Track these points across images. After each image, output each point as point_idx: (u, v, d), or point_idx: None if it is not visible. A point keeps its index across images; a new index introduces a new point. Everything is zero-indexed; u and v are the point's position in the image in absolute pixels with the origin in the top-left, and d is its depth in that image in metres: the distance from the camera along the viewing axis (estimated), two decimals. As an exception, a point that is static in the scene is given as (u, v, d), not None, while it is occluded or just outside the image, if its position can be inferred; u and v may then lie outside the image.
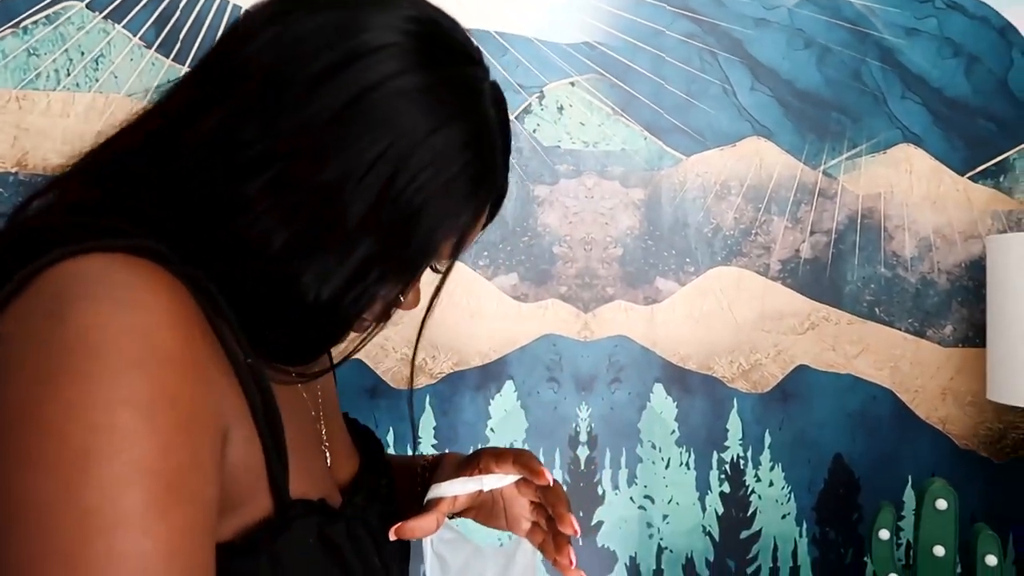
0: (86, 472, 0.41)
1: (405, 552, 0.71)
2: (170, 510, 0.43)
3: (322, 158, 0.50)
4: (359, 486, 0.67)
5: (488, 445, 1.28)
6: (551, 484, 0.67)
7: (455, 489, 0.68)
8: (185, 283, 0.48)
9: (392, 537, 0.65)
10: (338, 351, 0.65)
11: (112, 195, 0.52)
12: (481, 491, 0.69)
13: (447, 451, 0.79)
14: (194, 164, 0.50)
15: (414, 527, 0.66)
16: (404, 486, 0.78)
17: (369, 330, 0.61)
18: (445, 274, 0.63)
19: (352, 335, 0.61)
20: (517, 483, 0.70)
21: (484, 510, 0.72)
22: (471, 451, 0.75)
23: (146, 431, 0.43)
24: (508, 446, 1.28)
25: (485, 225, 0.62)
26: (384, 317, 0.60)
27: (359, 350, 0.64)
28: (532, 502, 0.71)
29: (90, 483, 0.41)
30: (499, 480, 0.68)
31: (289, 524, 0.53)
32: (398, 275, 0.55)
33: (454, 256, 0.59)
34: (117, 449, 0.42)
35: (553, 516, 0.67)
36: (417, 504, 0.73)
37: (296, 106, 0.49)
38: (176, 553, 0.42)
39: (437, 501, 0.68)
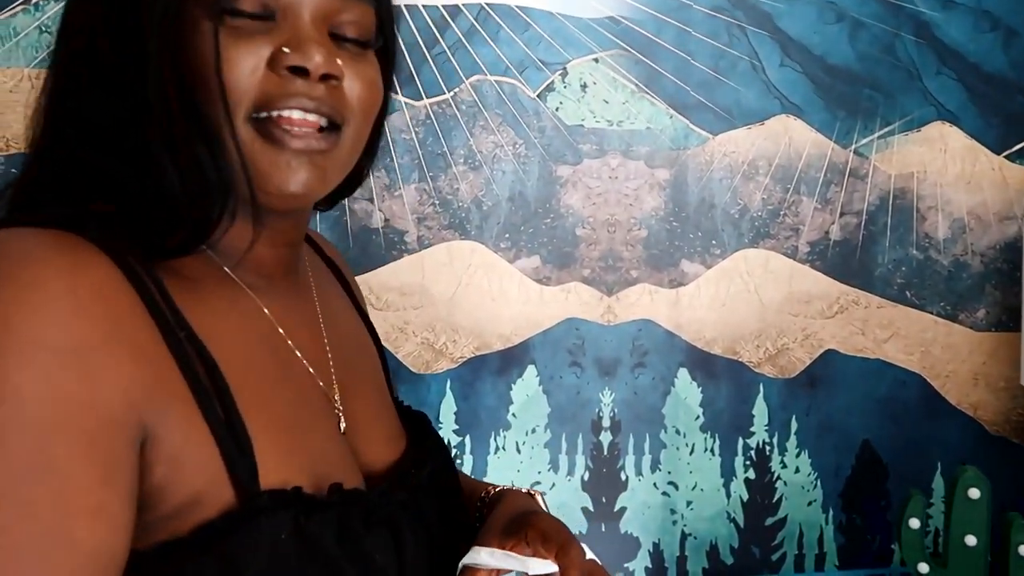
0: None
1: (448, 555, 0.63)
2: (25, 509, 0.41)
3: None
4: (396, 472, 0.61)
5: (510, 429, 1.27)
6: None
7: (495, 563, 0.61)
8: (115, 259, 0.47)
9: None
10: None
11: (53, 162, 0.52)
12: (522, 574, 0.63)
13: (509, 487, 0.71)
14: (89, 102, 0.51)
15: None
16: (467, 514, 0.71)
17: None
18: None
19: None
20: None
21: None
22: (524, 493, 0.67)
23: (15, 427, 0.41)
24: (532, 431, 1.26)
25: None
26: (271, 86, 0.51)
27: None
28: None
29: None
30: (543, 567, 0.61)
31: (251, 518, 0.48)
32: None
33: None
34: None
35: None
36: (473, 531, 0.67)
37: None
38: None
39: (473, 572, 0.60)
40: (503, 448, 1.26)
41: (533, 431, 1.27)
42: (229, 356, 0.51)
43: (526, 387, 1.26)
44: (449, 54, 1.21)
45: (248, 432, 0.49)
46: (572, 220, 1.26)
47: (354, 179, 0.62)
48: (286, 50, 0.50)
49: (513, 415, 1.26)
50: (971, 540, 1.14)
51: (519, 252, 1.25)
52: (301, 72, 0.50)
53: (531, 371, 1.26)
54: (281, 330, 0.57)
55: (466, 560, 0.61)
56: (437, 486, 0.63)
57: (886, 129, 1.30)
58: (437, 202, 1.22)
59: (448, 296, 1.24)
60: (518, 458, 1.26)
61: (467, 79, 1.21)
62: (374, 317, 1.22)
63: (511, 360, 1.25)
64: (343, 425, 0.59)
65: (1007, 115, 1.30)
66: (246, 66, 0.49)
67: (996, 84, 1.30)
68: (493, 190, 1.23)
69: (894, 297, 1.31)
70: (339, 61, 0.51)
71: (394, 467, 0.62)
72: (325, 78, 0.51)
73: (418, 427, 0.69)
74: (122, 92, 0.49)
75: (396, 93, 1.21)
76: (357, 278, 1.20)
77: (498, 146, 1.23)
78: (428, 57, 1.20)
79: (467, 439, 1.25)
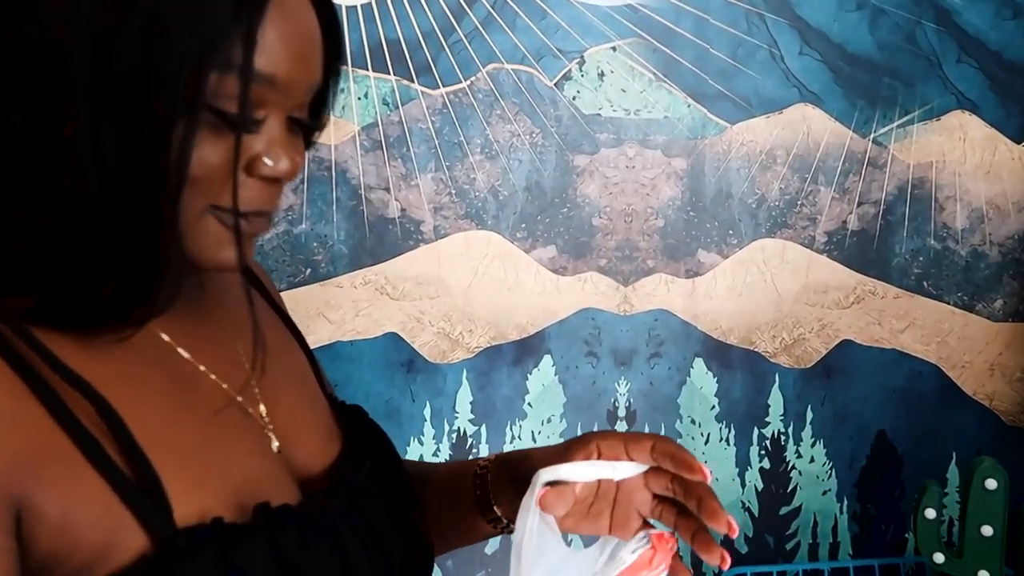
0: None
1: (410, 555, 0.60)
2: None
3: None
4: (333, 477, 0.58)
5: (526, 419, 1.28)
6: (708, 479, 0.56)
7: (580, 474, 0.56)
8: None
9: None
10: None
11: None
12: (607, 480, 0.57)
13: (502, 452, 0.68)
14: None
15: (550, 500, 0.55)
16: (454, 494, 0.68)
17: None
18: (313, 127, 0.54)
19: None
20: (646, 473, 0.58)
21: (579, 510, 0.59)
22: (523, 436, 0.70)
23: None
24: (548, 420, 1.27)
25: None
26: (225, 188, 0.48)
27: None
28: (657, 496, 0.59)
29: None
30: (633, 468, 0.57)
31: (167, 563, 0.44)
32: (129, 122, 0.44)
33: (244, 72, 0.46)
34: None
35: (701, 512, 0.56)
36: (470, 511, 0.65)
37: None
38: None
39: (559, 486, 0.56)
40: (519, 438, 1.26)
41: (549, 421, 1.27)
42: (120, 391, 0.48)
43: (542, 377, 1.26)
44: (466, 42, 1.20)
45: (155, 470, 0.46)
46: (589, 210, 1.25)
47: None
48: (267, 161, 0.49)
49: (529, 405, 1.26)
50: (987, 530, 1.14)
51: (535, 242, 1.25)
52: (272, 180, 0.50)
53: (547, 361, 1.26)
54: (182, 349, 0.54)
55: (540, 478, 0.56)
56: (380, 482, 0.59)
57: (905, 118, 1.29)
58: (453, 192, 1.22)
59: (464, 286, 1.23)
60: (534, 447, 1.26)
61: (484, 67, 1.21)
62: (391, 307, 1.22)
63: (527, 350, 1.25)
64: (274, 439, 0.56)
65: (1028, 104, 1.29)
66: (225, 167, 0.47)
67: (1017, 72, 1.29)
68: (510, 180, 1.23)
69: (911, 287, 1.31)
70: (299, 159, 0.51)
71: (331, 470, 0.59)
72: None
73: (355, 422, 0.65)
74: (48, 177, 0.45)
75: (412, 82, 1.20)
76: (374, 268, 1.22)
77: (515, 135, 1.22)
78: (445, 45, 1.20)
79: (483, 428, 1.25)
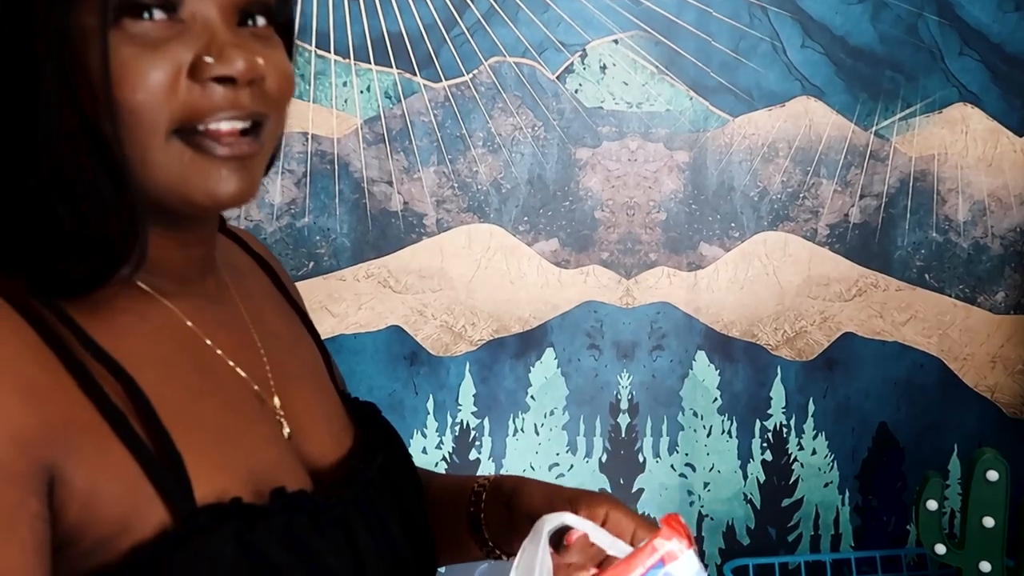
0: None
1: (419, 549, 0.60)
2: None
3: None
4: (346, 469, 0.58)
5: (528, 411, 1.27)
6: None
7: (584, 529, 0.54)
8: (6, 300, 0.45)
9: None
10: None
11: None
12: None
13: (501, 474, 0.69)
14: None
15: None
16: (449, 507, 0.68)
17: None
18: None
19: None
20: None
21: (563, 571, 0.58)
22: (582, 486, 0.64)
23: None
24: (551, 413, 1.26)
25: None
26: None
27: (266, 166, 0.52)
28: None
29: None
30: (626, 552, 0.55)
31: (189, 538, 0.45)
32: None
33: None
34: None
35: None
36: (462, 528, 0.65)
37: None
38: None
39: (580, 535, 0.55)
40: (521, 430, 1.27)
41: (551, 413, 1.27)
42: (146, 372, 0.48)
43: (544, 370, 1.26)
44: (468, 35, 1.20)
45: (176, 448, 0.47)
46: (591, 203, 1.26)
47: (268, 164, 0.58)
48: (208, 59, 0.46)
49: (532, 397, 1.27)
50: (989, 522, 1.14)
51: (538, 235, 1.25)
52: (227, 81, 0.47)
53: (549, 354, 1.26)
54: (204, 336, 0.54)
55: (552, 522, 0.54)
56: (390, 477, 0.60)
57: (907, 111, 1.29)
58: (456, 185, 1.22)
59: (467, 279, 1.24)
60: (536, 440, 1.27)
61: (486, 61, 1.21)
62: (393, 300, 1.23)
63: (530, 343, 1.26)
64: (286, 427, 0.57)
65: (1030, 96, 1.29)
66: (163, 79, 0.45)
67: (1019, 65, 1.29)
68: (512, 173, 1.23)
69: (913, 280, 1.31)
70: (260, 60, 0.48)
71: (343, 463, 0.59)
72: (250, 82, 0.48)
73: (367, 418, 0.65)
74: (6, 120, 0.45)
75: (415, 75, 1.20)
76: (377, 261, 1.22)
77: (517, 128, 1.23)
78: (447, 38, 1.20)
79: (486, 421, 1.25)
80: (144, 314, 0.51)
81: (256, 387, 0.56)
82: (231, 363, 0.55)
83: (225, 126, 0.47)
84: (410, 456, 0.66)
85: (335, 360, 0.72)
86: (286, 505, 0.50)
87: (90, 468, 0.45)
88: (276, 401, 0.57)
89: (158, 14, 0.46)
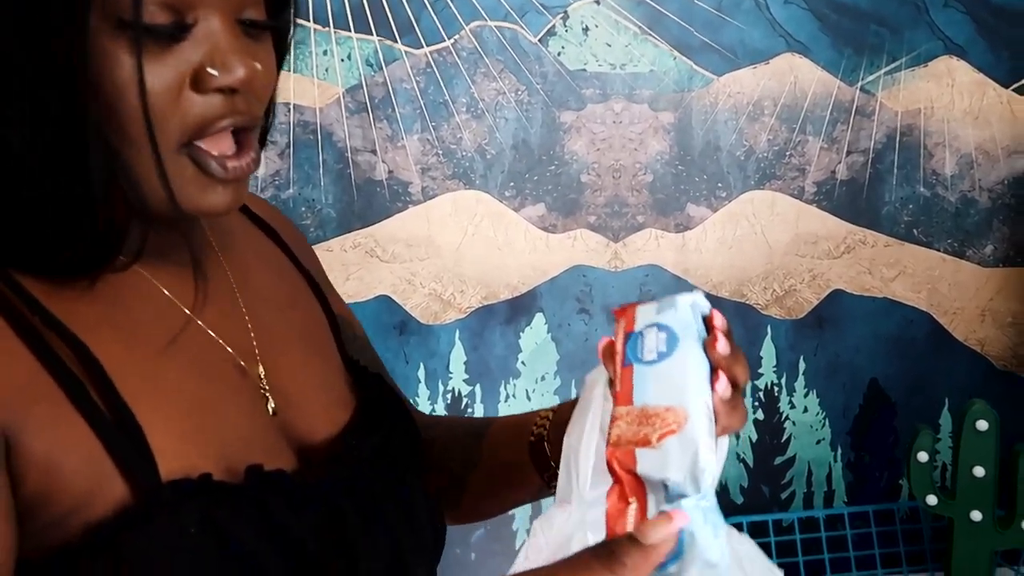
0: None
1: (416, 536, 0.56)
2: None
3: None
4: (339, 446, 0.55)
5: (520, 377, 1.28)
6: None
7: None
8: None
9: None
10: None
11: None
12: None
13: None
14: None
15: None
16: (510, 448, 0.64)
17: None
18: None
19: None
20: None
21: None
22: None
23: None
24: (542, 378, 1.27)
25: None
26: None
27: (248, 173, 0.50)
28: None
29: None
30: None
31: (150, 514, 0.43)
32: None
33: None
34: None
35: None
36: (525, 465, 0.61)
37: None
38: None
39: None
40: (513, 396, 1.27)
41: (543, 379, 1.27)
42: (109, 341, 0.47)
43: (535, 335, 1.27)
44: (448, 0, 1.19)
45: (137, 420, 0.45)
46: (577, 167, 1.25)
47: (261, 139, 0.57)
48: (212, 71, 0.45)
49: (522, 363, 1.27)
50: (979, 471, 1.15)
51: (524, 200, 1.24)
52: (228, 90, 0.46)
53: (539, 319, 1.26)
54: (182, 305, 0.52)
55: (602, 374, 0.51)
56: (389, 456, 0.56)
57: (892, 65, 1.28)
58: (440, 152, 1.22)
59: (454, 246, 1.23)
60: (528, 406, 1.27)
61: (467, 25, 1.19)
62: (381, 270, 1.22)
63: (519, 309, 1.26)
64: (271, 401, 0.54)
65: (1016, 47, 1.28)
66: (171, 90, 0.45)
67: (1005, 16, 1.28)
68: (496, 138, 1.22)
69: (901, 235, 1.31)
70: (258, 65, 0.47)
71: (337, 440, 0.56)
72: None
73: (373, 390, 0.62)
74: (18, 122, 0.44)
75: (395, 42, 1.19)
76: (364, 231, 1.21)
77: (500, 93, 1.22)
78: (427, 4, 1.18)
79: (477, 388, 1.26)
80: (114, 283, 0.49)
81: (237, 357, 0.53)
82: (210, 332, 0.53)
83: (223, 129, 0.47)
84: (417, 433, 0.62)
85: (360, 324, 0.69)
86: (262, 483, 0.47)
87: (48, 438, 0.43)
88: (260, 371, 0.54)
89: (167, 25, 0.45)
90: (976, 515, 1.13)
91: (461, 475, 0.67)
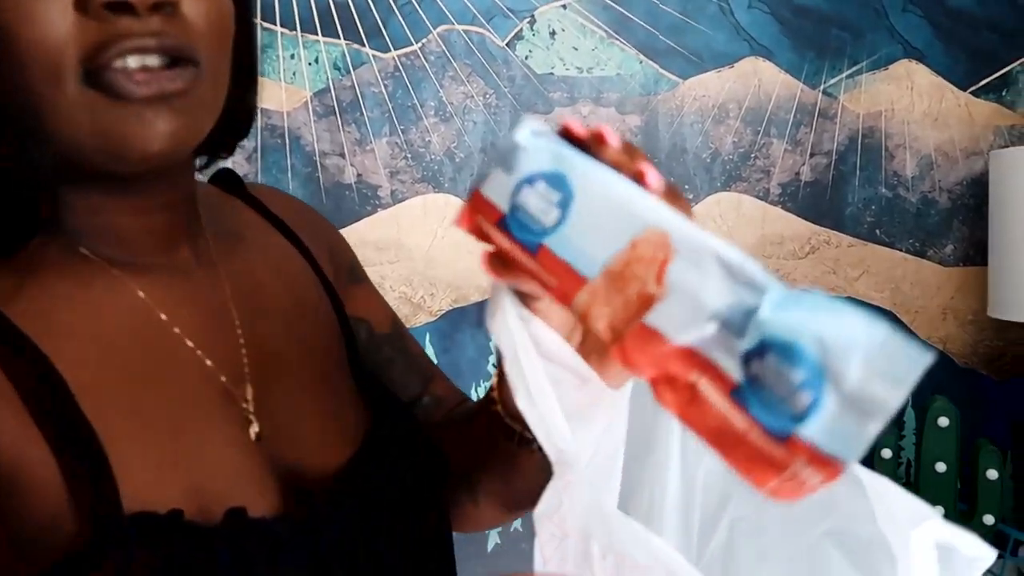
0: None
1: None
2: None
3: None
4: (341, 483, 0.48)
5: (491, 380, 1.27)
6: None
7: None
8: None
9: None
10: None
11: None
12: None
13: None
14: None
15: None
16: (475, 430, 0.55)
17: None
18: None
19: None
20: None
21: None
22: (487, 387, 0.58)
23: None
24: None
25: None
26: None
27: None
28: None
29: None
30: None
31: (105, 555, 0.37)
32: None
33: None
34: None
35: None
36: (495, 438, 0.51)
37: None
38: None
39: None
40: (484, 398, 1.27)
41: (513, 380, 1.28)
42: (74, 351, 0.41)
43: (505, 337, 1.27)
44: (415, 4, 1.19)
45: (100, 442, 0.39)
46: (545, 169, 1.26)
47: (243, 117, 0.50)
48: None
49: (494, 366, 1.27)
50: (941, 466, 1.18)
51: (493, 203, 1.25)
52: (122, 8, 0.39)
53: (509, 321, 1.27)
54: (161, 312, 0.46)
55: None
56: (392, 497, 0.49)
57: (854, 68, 1.30)
58: (409, 155, 1.22)
59: (424, 249, 1.24)
60: (500, 407, 1.28)
61: (435, 29, 1.20)
62: (351, 273, 1.22)
63: (489, 311, 1.26)
64: (254, 424, 0.47)
65: (973, 51, 1.31)
66: (52, 17, 0.38)
67: (962, 20, 1.31)
68: (465, 141, 1.23)
69: (864, 236, 1.33)
70: None
71: (334, 476, 0.48)
72: (155, 7, 0.39)
73: (387, 412, 0.54)
74: None
75: (363, 45, 1.19)
76: (332, 234, 1.21)
77: (468, 97, 1.22)
78: (394, 8, 1.19)
79: (448, 391, 1.26)
80: (85, 285, 0.44)
81: (221, 375, 0.46)
82: (198, 350, 0.46)
83: (133, 62, 0.39)
84: (439, 463, 0.54)
85: (393, 318, 0.61)
86: (238, 527, 0.41)
87: (11, 456, 0.39)
88: (248, 392, 0.47)
89: None
90: (938, 510, 1.15)
91: (470, 477, 0.58)
